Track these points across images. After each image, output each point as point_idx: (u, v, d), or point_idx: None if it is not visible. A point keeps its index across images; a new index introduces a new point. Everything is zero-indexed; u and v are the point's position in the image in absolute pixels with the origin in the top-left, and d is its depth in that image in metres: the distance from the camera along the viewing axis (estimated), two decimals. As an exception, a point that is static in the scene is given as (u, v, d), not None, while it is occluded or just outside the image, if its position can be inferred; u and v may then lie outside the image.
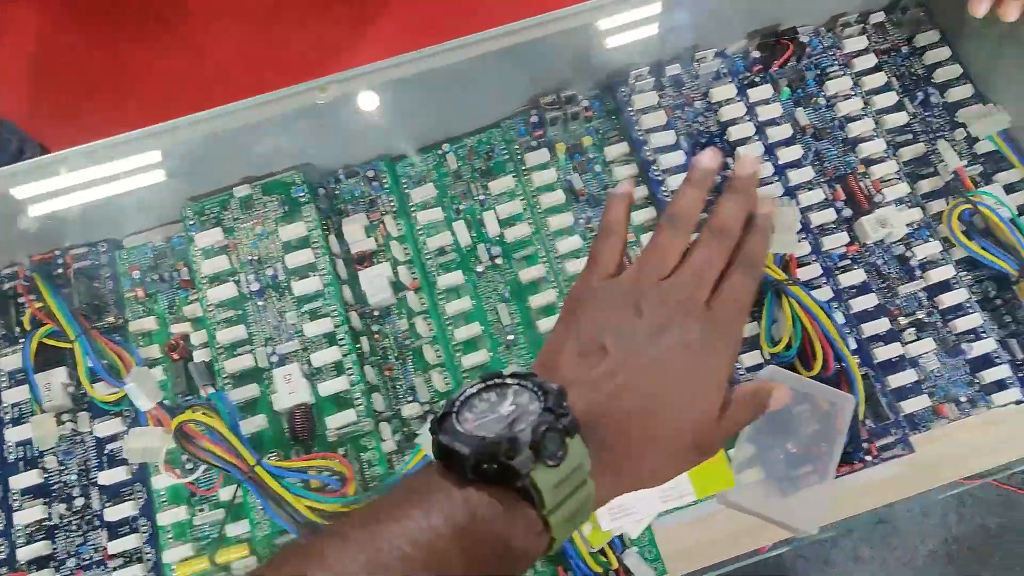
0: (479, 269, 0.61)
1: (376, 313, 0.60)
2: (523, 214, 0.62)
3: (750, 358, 0.56)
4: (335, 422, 0.55)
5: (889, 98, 0.64)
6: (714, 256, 0.36)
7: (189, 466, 0.56)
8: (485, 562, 0.26)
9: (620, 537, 0.53)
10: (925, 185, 0.62)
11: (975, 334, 0.58)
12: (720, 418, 0.33)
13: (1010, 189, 0.61)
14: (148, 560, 0.55)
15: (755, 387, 0.36)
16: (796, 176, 0.61)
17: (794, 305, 0.54)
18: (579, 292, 0.37)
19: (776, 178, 0.61)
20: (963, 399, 0.57)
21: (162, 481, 0.56)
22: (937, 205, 0.61)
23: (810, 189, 0.61)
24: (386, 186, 0.63)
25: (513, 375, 0.29)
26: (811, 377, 0.54)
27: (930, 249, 0.59)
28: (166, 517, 0.55)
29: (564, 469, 0.27)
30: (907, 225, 0.60)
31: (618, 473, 0.30)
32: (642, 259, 0.36)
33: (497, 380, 0.29)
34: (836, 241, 0.60)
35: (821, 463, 0.48)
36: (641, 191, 0.62)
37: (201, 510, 0.56)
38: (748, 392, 0.36)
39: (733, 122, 0.62)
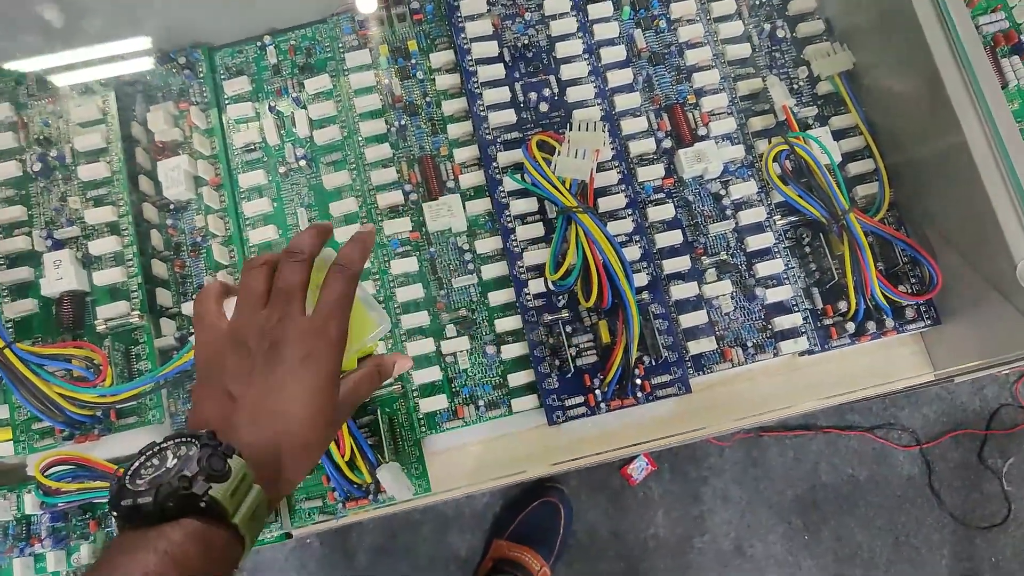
0: (282, 171, 0.59)
1: (172, 207, 0.58)
2: (336, 116, 0.59)
3: (535, 285, 0.54)
4: (105, 313, 0.53)
5: (735, 28, 0.60)
6: (295, 268, 0.40)
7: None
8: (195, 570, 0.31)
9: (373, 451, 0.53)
10: (757, 123, 0.59)
11: (777, 280, 0.57)
12: (338, 405, 0.39)
13: (841, 135, 0.59)
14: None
15: (376, 362, 0.44)
16: (622, 101, 0.58)
17: (580, 234, 0.52)
18: (209, 349, 0.40)
19: (599, 101, 0.58)
20: (750, 345, 0.56)
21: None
22: (765, 145, 0.58)
23: (635, 116, 0.58)
24: (201, 76, 0.60)
25: (166, 438, 0.34)
26: (587, 309, 0.53)
27: (747, 189, 0.57)
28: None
29: (232, 482, 0.32)
30: (728, 163, 0.58)
31: (278, 479, 0.36)
32: (238, 302, 0.40)
33: (153, 448, 0.33)
34: (652, 173, 0.57)
35: None
36: (462, 103, 0.59)
37: (-24, 390, 0.55)
38: (369, 369, 0.43)
39: (563, 38, 0.59)
